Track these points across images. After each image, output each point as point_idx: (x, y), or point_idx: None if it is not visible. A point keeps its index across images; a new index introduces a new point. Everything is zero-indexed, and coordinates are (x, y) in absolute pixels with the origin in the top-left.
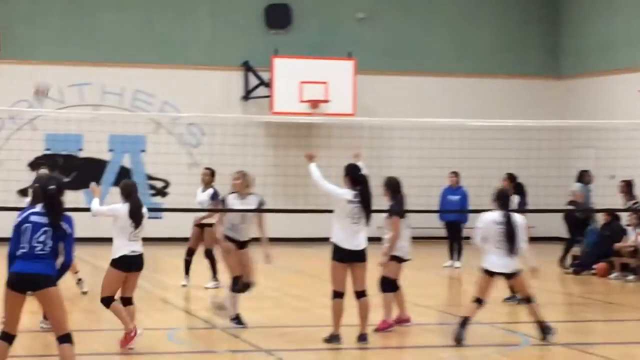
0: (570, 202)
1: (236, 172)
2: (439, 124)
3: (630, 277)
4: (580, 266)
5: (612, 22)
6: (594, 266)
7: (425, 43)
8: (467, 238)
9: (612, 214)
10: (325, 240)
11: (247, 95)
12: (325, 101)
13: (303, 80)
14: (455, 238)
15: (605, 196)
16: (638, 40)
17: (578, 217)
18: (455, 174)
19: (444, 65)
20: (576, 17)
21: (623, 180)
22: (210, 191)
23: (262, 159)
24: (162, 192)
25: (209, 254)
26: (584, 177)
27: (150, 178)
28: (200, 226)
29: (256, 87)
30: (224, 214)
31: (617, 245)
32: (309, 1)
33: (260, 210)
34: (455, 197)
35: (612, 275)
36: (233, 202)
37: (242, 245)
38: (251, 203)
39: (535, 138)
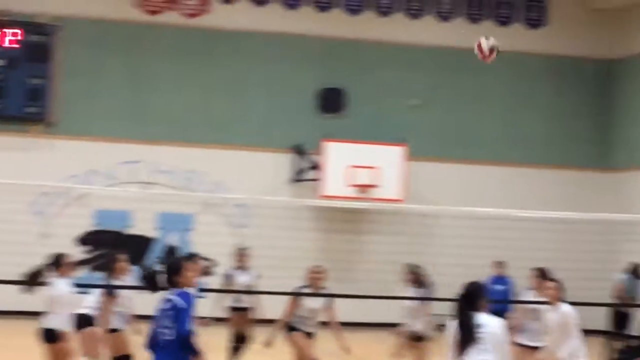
0: (616, 296)
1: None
2: (486, 213)
3: None
4: None
5: None
6: None
7: (477, 131)
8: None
9: None
10: (374, 325)
11: (297, 178)
12: (375, 186)
13: (353, 164)
14: None
15: None
16: None
17: (620, 310)
18: (500, 263)
19: (495, 154)
20: (627, 110)
21: None
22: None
23: (310, 242)
24: (207, 272)
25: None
26: (634, 270)
27: None
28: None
29: (306, 170)
30: None
31: None
32: (363, 86)
33: (302, 294)
34: (500, 287)
35: None
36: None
37: None
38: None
39: (584, 231)
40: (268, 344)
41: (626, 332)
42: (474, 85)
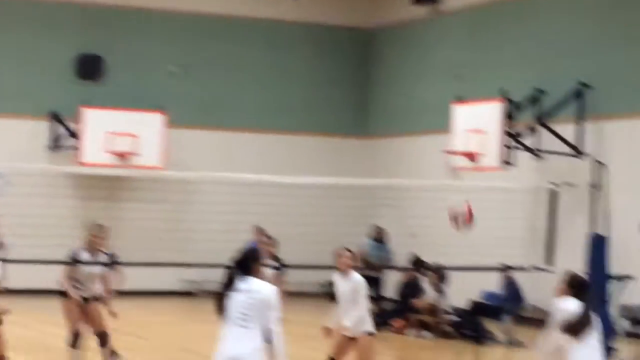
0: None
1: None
2: (247, 179)
3: (427, 334)
4: (378, 323)
5: (419, 85)
6: (392, 322)
7: (237, 98)
8: None
9: (412, 271)
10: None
11: (55, 146)
12: (135, 154)
13: (113, 132)
14: None
15: (408, 254)
16: (443, 103)
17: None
18: (260, 229)
19: (255, 121)
20: (385, 78)
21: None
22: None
23: (68, 210)
24: None
25: None
26: (376, 234)
27: None
28: None
29: (64, 137)
30: None
31: (415, 302)
32: (121, 53)
33: (67, 262)
34: None
35: (410, 332)
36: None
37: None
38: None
39: (344, 196)
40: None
41: (378, 295)
42: (232, 53)
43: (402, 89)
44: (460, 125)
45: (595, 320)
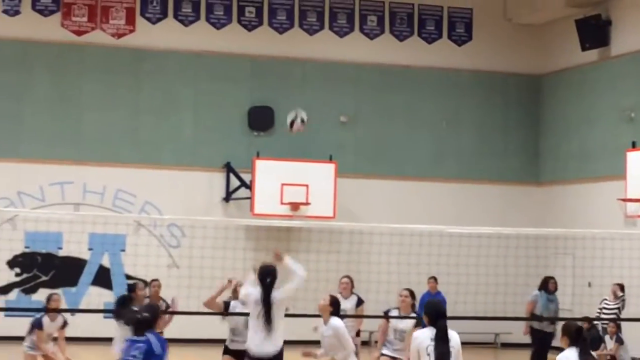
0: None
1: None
2: (418, 229)
3: None
4: None
5: (591, 130)
6: None
7: (406, 147)
8: None
9: (591, 321)
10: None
11: (229, 197)
12: (306, 204)
13: (284, 182)
14: None
15: (583, 304)
16: (616, 149)
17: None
18: (435, 279)
19: (424, 170)
20: (556, 124)
21: (616, 284)
22: (354, 298)
23: (241, 261)
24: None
25: None
26: (544, 284)
27: (129, 278)
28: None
29: (237, 188)
30: None
31: (595, 353)
32: (291, 104)
33: (233, 314)
34: None
35: None
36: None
37: None
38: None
39: (514, 246)
40: None
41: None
42: (402, 102)
43: (574, 135)
44: (635, 171)
45: None
